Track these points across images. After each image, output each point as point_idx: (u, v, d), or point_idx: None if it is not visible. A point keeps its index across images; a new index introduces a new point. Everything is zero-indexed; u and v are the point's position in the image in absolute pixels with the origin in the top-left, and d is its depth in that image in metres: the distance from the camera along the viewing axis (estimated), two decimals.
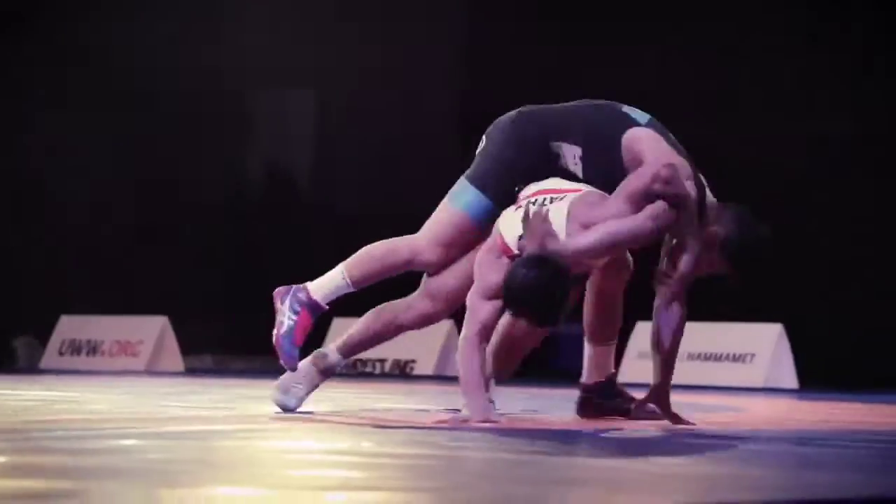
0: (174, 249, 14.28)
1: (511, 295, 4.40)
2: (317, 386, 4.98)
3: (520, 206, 4.58)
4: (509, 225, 4.57)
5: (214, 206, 14.79)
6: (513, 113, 4.93)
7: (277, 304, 5.05)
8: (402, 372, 12.89)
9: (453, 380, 12.52)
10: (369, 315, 5.03)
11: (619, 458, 3.40)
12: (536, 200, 4.56)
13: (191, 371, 12.04)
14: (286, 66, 14.44)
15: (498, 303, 4.53)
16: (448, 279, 4.89)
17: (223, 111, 14.54)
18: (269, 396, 4.94)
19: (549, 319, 4.46)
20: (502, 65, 14.01)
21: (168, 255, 14.18)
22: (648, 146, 4.62)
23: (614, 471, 2.97)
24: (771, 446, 4.00)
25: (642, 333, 12.89)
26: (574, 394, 5.18)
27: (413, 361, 12.95)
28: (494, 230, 4.62)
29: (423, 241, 4.92)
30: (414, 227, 5.00)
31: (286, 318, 4.99)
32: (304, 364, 4.94)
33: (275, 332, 4.97)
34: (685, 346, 4.87)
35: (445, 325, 13.07)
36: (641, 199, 4.46)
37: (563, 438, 4.13)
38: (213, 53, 13.84)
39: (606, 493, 2.43)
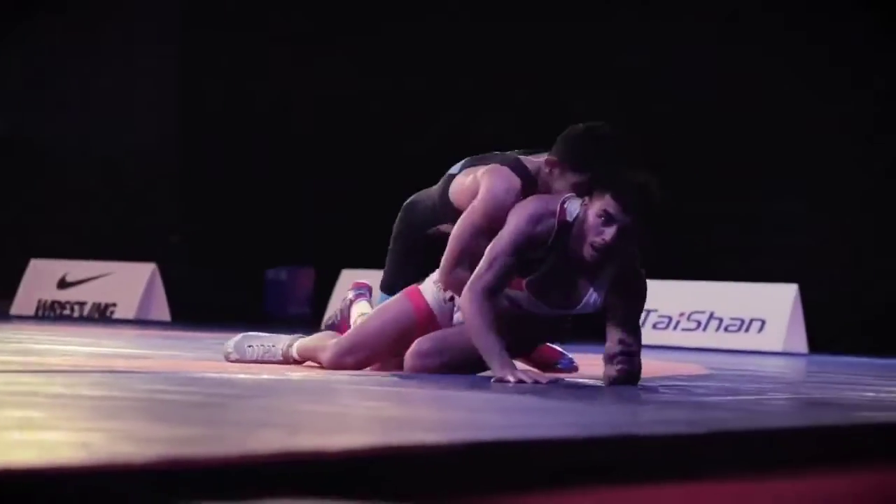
0: None
1: None
2: (271, 363, 5.05)
3: None
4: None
5: None
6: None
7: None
8: (101, 315, 12.68)
9: (154, 324, 12.41)
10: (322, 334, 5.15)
11: (309, 402, 3.44)
12: None
13: None
14: None
15: (508, 273, 4.58)
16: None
17: None
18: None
19: None
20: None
21: None
22: (462, 191, 4.97)
23: (300, 413, 3.01)
24: (474, 392, 4.10)
25: (348, 281, 13.03)
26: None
27: (114, 305, 12.76)
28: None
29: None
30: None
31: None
32: (278, 338, 5.11)
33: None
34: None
35: (147, 269, 12.93)
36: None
37: (261, 382, 4.14)
38: None
39: (286, 434, 2.47)
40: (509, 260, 4.57)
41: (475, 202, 4.82)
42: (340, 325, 5.44)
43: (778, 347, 10.84)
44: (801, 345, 11.29)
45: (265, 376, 4.37)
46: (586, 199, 4.56)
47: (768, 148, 12.92)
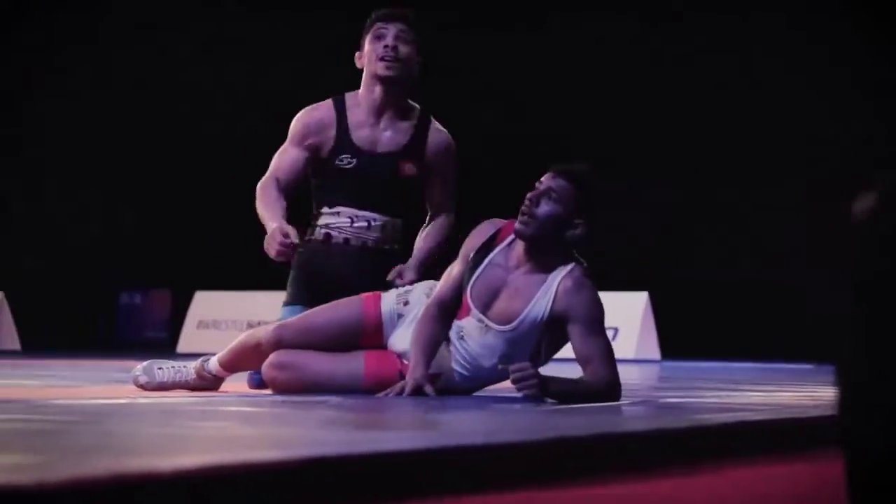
0: None
1: None
2: (187, 385, 4.94)
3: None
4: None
5: None
6: None
7: None
8: None
9: (3, 353, 12.09)
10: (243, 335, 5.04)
11: (151, 425, 3.38)
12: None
13: None
14: None
15: (455, 281, 4.67)
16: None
17: None
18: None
19: None
20: None
21: None
22: None
23: (138, 437, 2.96)
24: (320, 409, 4.08)
25: (201, 303, 12.89)
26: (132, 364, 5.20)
27: None
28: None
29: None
30: None
31: None
32: (187, 362, 5.01)
33: None
34: None
35: None
36: None
37: (105, 407, 4.07)
38: None
39: (119, 457, 2.42)
40: (456, 268, 4.71)
41: None
42: None
43: (631, 355, 10.97)
44: (653, 351, 11.43)
45: (110, 401, 4.29)
46: None
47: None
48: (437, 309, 4.70)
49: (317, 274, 5.26)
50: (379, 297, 4.88)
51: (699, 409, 4.39)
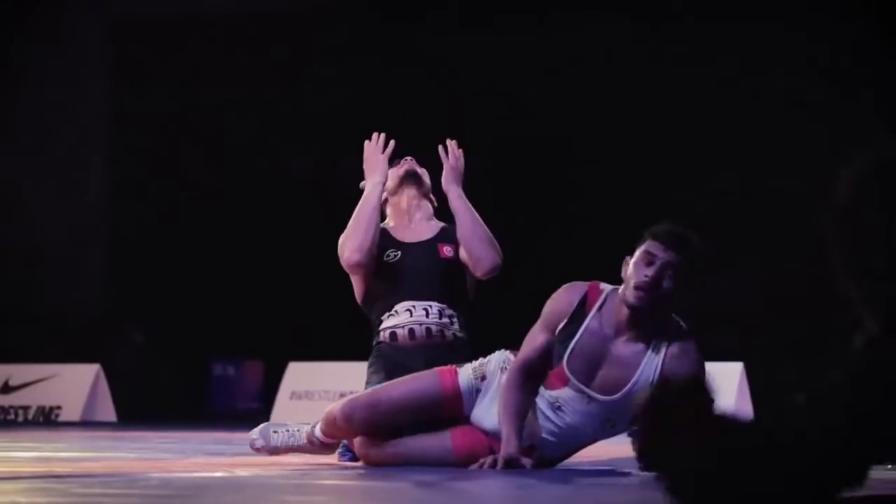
0: None
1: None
2: (300, 450, 5.04)
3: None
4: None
5: None
6: None
7: None
8: (46, 419, 12.52)
9: (101, 425, 12.22)
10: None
11: (248, 500, 3.41)
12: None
13: None
14: None
15: (540, 348, 4.64)
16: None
17: None
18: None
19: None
20: None
21: None
22: None
23: None
24: (414, 486, 4.08)
25: (294, 373, 12.94)
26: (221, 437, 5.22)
27: (58, 408, 12.61)
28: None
29: None
30: None
31: None
32: (302, 425, 5.09)
33: None
34: None
35: (91, 370, 12.76)
36: None
37: (201, 482, 4.11)
38: None
39: None
40: (540, 335, 4.66)
41: None
42: None
43: None
44: None
45: (207, 474, 4.32)
46: (626, 258, 4.62)
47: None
48: (523, 376, 4.66)
49: (391, 370, 5.33)
50: (455, 371, 4.87)
51: None
